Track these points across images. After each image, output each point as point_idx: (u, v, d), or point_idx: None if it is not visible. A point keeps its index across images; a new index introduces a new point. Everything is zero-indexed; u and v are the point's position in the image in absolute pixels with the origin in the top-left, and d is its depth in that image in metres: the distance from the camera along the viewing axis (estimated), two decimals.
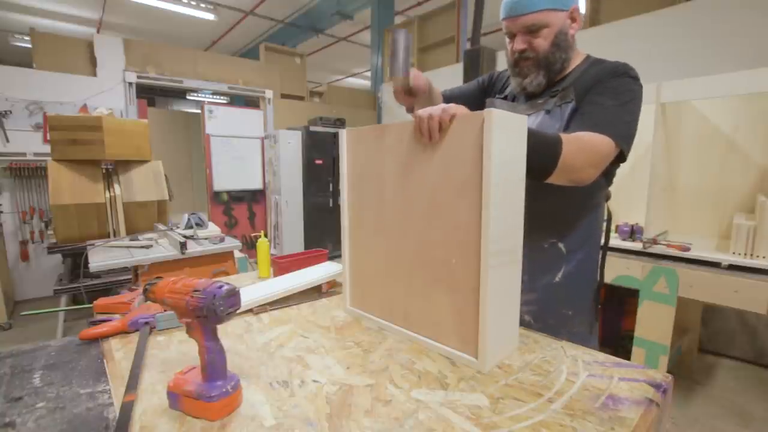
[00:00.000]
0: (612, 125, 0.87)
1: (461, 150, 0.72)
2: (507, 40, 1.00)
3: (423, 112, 0.75)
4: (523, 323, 0.89)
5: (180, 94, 10.14)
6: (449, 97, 1.24)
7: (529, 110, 1.02)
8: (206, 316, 0.57)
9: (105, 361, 0.76)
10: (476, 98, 1.19)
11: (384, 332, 0.90)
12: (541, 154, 0.79)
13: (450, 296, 0.77)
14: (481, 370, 0.71)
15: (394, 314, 0.90)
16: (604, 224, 1.07)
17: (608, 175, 1.00)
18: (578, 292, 1.03)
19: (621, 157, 0.91)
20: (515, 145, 0.73)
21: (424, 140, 0.77)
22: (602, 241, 1.06)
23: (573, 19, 0.97)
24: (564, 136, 0.81)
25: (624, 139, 0.88)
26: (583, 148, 0.83)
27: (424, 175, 0.80)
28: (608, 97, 0.90)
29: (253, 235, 1.78)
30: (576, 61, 1.02)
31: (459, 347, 0.76)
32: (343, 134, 0.97)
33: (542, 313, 1.01)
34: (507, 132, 0.70)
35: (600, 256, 1.06)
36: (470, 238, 0.72)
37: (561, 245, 1.00)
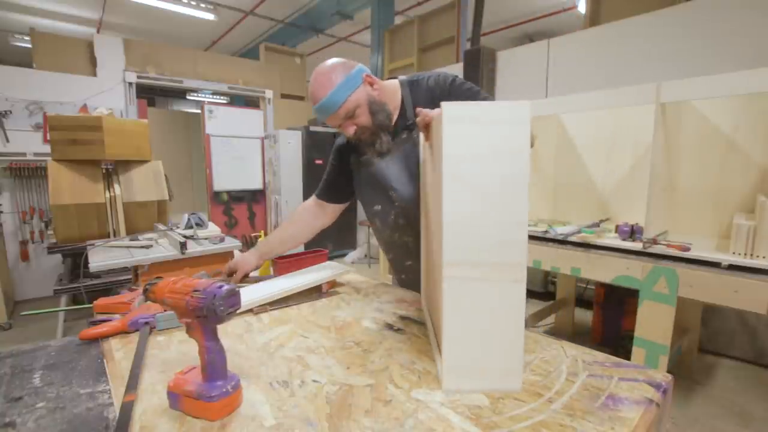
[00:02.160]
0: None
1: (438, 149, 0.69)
2: (327, 126, 1.19)
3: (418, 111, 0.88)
4: None
5: (180, 94, 10.14)
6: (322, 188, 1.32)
7: (399, 150, 1.14)
8: (206, 316, 0.57)
9: (105, 361, 0.76)
10: (340, 176, 1.27)
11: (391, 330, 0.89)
12: None
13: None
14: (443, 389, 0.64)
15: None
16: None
17: None
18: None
19: None
20: (495, 137, 0.59)
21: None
22: None
23: (371, 84, 1.07)
24: None
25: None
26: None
27: (431, 173, 0.84)
28: (470, 97, 1.07)
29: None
30: (395, 98, 1.14)
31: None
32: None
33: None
34: (467, 125, 0.60)
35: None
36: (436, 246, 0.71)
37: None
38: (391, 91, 1.14)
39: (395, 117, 1.14)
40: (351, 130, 1.07)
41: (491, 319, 0.63)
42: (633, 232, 2.19)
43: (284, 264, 1.27)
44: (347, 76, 1.03)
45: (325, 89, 1.01)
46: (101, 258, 2.06)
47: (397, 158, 1.14)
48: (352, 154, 1.23)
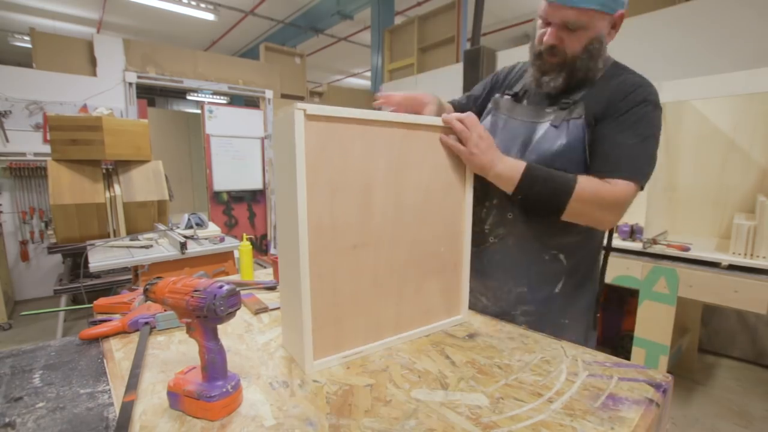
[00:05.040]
0: (634, 167, 0.86)
1: (447, 155, 0.86)
2: (539, 23, 0.91)
3: (457, 124, 0.84)
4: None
5: (180, 94, 10.15)
6: (460, 107, 1.19)
7: (533, 116, 0.97)
8: (206, 316, 0.57)
9: (105, 361, 0.76)
10: (484, 102, 1.15)
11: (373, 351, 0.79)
12: (546, 201, 0.86)
13: (439, 279, 0.88)
14: (464, 322, 0.86)
15: (383, 328, 0.80)
16: (606, 232, 1.04)
17: None
18: (576, 302, 1.00)
19: None
20: None
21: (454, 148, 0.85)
22: (604, 244, 1.04)
23: (614, 26, 0.89)
24: (580, 185, 0.84)
25: (646, 177, 0.88)
26: (599, 198, 0.84)
27: (419, 178, 0.81)
28: (628, 134, 0.86)
29: (248, 237, 1.77)
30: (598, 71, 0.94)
31: (447, 317, 0.89)
32: (300, 116, 0.64)
33: (539, 324, 0.95)
34: None
35: (601, 261, 1.05)
36: (455, 228, 0.89)
37: (561, 256, 0.96)
38: (605, 56, 0.94)
39: (591, 77, 0.92)
40: (551, 39, 0.87)
41: None
42: (633, 232, 2.19)
43: None
44: None
45: None
46: (101, 258, 2.06)
47: (517, 125, 0.98)
48: (500, 90, 1.10)
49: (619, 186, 0.84)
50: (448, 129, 0.86)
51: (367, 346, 0.78)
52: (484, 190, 0.98)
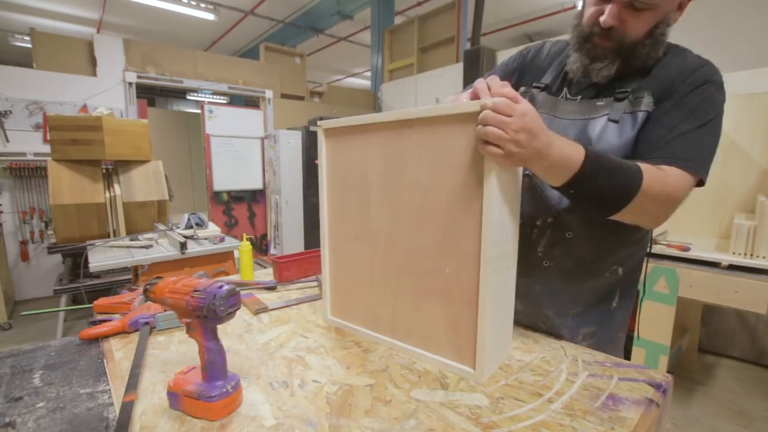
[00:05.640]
0: (695, 158, 0.72)
1: (455, 151, 0.66)
2: (593, 4, 0.77)
3: (489, 103, 0.59)
4: None
5: (180, 94, 10.14)
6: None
7: (583, 113, 0.82)
8: (206, 316, 0.57)
9: (105, 361, 0.76)
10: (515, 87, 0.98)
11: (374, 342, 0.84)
12: (606, 197, 0.68)
13: (444, 307, 0.72)
14: (479, 380, 0.67)
15: (380, 325, 0.84)
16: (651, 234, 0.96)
17: None
18: (627, 312, 0.94)
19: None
20: None
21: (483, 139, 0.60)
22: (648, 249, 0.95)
23: (680, 7, 0.77)
24: (647, 174, 0.67)
25: (706, 168, 0.74)
26: (664, 193, 0.70)
27: (415, 177, 0.73)
28: (690, 121, 0.73)
29: (248, 237, 1.77)
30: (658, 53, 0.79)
31: (454, 358, 0.72)
32: (321, 131, 0.89)
33: (601, 344, 0.87)
34: None
35: (645, 266, 0.95)
36: (467, 247, 0.67)
37: (620, 270, 0.87)
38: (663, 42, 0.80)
39: (648, 65, 0.79)
40: (612, 19, 0.73)
41: (504, 302, 0.74)
42: None
43: (284, 264, 1.27)
44: None
45: None
46: (101, 258, 2.06)
47: (565, 125, 0.82)
48: (530, 75, 0.94)
49: (679, 177, 0.70)
50: (462, 117, 0.64)
51: (365, 331, 0.87)
52: (534, 204, 0.84)
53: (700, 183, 0.75)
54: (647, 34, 0.75)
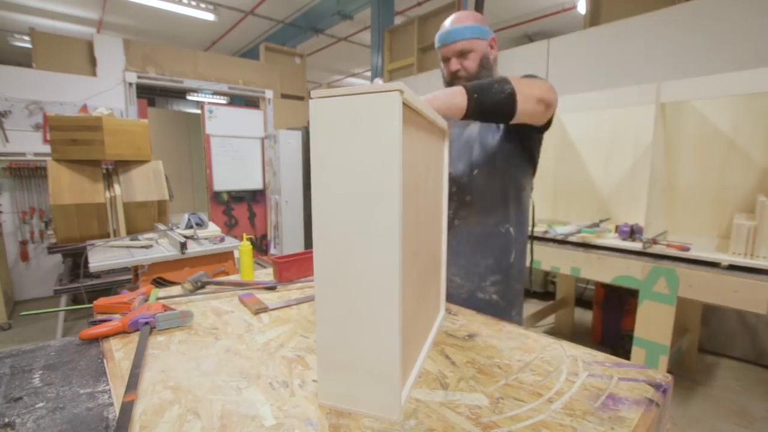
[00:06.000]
0: (536, 77, 1.02)
1: (433, 150, 0.82)
2: (442, 65, 1.20)
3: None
4: (491, 302, 1.18)
5: (180, 94, 10.14)
6: None
7: (463, 125, 1.22)
8: None
9: (105, 361, 0.76)
10: None
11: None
12: (497, 90, 0.90)
13: (433, 278, 0.85)
14: (462, 325, 0.79)
15: (410, 351, 0.67)
16: (530, 211, 1.30)
17: (532, 162, 1.21)
18: (521, 269, 1.23)
19: (547, 125, 1.09)
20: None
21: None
22: (529, 228, 1.29)
23: (492, 47, 1.17)
24: (514, 80, 0.93)
25: (541, 78, 1.02)
26: (528, 78, 0.99)
27: (436, 175, 0.83)
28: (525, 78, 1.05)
29: (248, 237, 1.77)
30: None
31: (437, 315, 0.88)
32: (397, 98, 0.51)
33: (505, 291, 1.19)
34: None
35: (529, 241, 1.31)
36: (438, 226, 0.90)
37: (512, 229, 1.18)
38: (497, 70, 1.22)
39: None
40: (455, 66, 1.15)
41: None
42: (633, 232, 2.19)
43: (284, 264, 1.27)
44: (481, 27, 1.14)
45: (460, 21, 1.14)
46: (101, 258, 2.06)
47: (458, 139, 1.21)
48: None
49: (534, 80, 0.99)
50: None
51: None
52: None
53: (548, 125, 1.10)
54: (479, 66, 1.15)
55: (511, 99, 0.89)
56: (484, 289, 1.19)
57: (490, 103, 0.89)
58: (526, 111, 0.93)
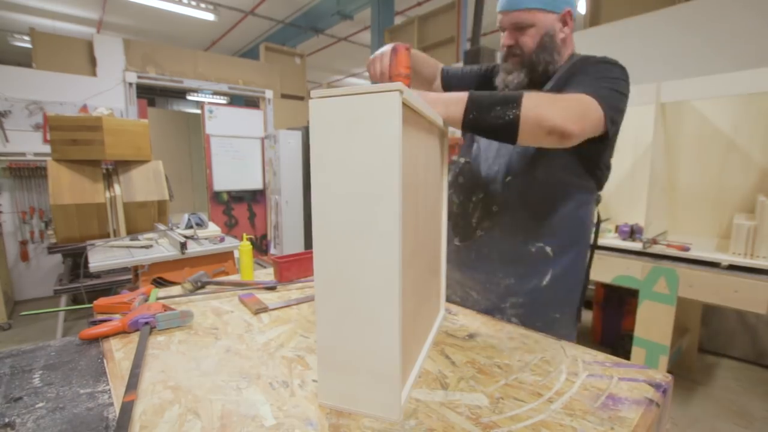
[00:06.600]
0: (593, 89, 0.82)
1: (432, 148, 0.79)
2: (501, 33, 1.02)
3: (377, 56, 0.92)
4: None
5: (180, 94, 10.14)
6: (448, 77, 1.21)
7: None
8: None
9: (105, 361, 0.76)
10: (475, 84, 1.17)
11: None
12: (498, 114, 0.76)
13: (433, 279, 0.86)
14: (462, 325, 0.81)
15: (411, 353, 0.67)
16: (593, 227, 1.07)
17: (595, 172, 0.98)
18: (565, 295, 1.02)
19: (605, 137, 0.84)
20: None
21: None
22: (591, 243, 1.07)
23: (564, 23, 0.96)
24: (528, 94, 0.78)
25: (607, 102, 0.80)
26: (555, 98, 0.78)
27: (436, 175, 0.82)
28: (588, 76, 0.88)
29: (248, 237, 1.77)
30: (563, 58, 1.00)
31: (437, 316, 0.88)
32: (396, 98, 0.51)
33: (530, 317, 0.99)
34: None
35: (588, 258, 1.07)
36: (437, 225, 0.88)
37: (548, 249, 0.98)
38: (569, 50, 1.00)
39: (550, 75, 0.98)
40: (508, 40, 0.98)
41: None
42: (633, 232, 2.19)
43: (284, 264, 1.27)
44: None
45: None
46: (101, 258, 2.06)
47: None
48: (490, 82, 1.11)
49: (575, 93, 0.81)
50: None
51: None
52: (471, 184, 1.04)
53: (606, 137, 0.84)
54: (537, 46, 0.95)
55: (511, 127, 0.76)
56: (502, 311, 1.02)
57: (485, 126, 0.78)
58: (528, 141, 0.78)
